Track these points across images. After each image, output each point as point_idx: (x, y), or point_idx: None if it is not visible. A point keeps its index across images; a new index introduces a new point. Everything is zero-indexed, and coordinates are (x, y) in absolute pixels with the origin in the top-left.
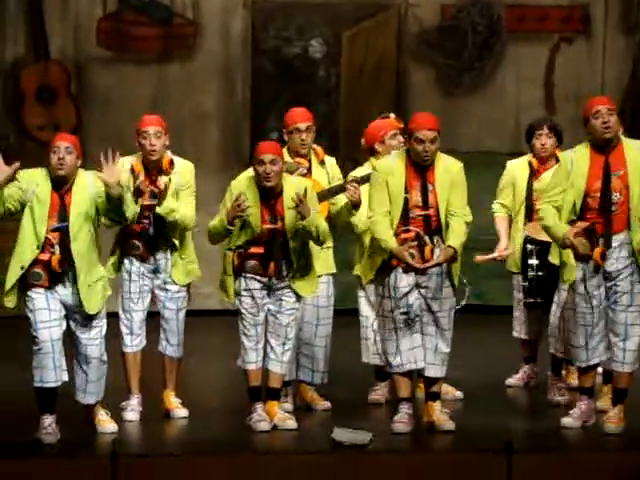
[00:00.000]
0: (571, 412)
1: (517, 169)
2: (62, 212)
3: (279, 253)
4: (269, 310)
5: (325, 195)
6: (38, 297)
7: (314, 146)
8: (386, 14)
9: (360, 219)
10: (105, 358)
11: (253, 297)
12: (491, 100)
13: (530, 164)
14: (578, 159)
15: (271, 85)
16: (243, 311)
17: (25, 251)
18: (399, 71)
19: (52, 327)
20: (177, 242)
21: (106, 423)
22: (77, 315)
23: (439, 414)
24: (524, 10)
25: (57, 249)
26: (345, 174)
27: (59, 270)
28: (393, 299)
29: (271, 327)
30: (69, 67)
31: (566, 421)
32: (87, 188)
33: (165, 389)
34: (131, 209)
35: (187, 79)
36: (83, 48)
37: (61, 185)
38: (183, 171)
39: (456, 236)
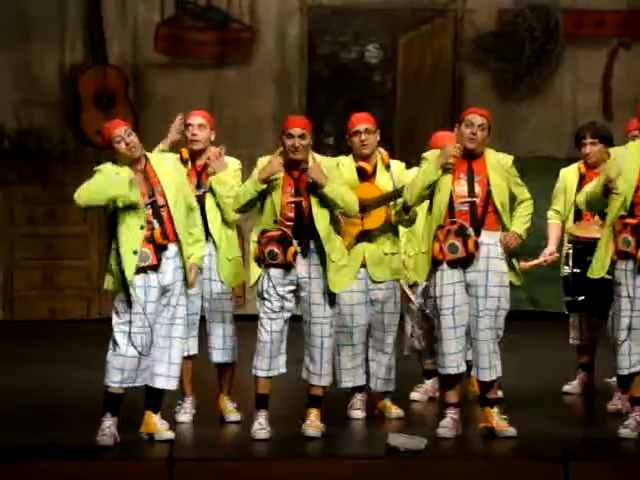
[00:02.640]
0: (626, 423)
1: (568, 175)
2: (149, 187)
3: (304, 234)
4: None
5: (379, 201)
6: (136, 290)
7: (380, 150)
8: (442, 19)
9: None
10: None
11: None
12: (548, 105)
13: (580, 170)
14: (631, 154)
15: (327, 90)
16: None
17: (133, 235)
18: (455, 76)
19: (145, 334)
20: (218, 237)
21: (164, 431)
22: (170, 293)
23: (499, 420)
24: (581, 15)
25: (156, 223)
26: None
27: (163, 242)
28: (439, 298)
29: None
30: (127, 72)
31: (623, 432)
32: (165, 163)
33: (220, 393)
34: None
35: (243, 84)
36: (141, 53)
37: (135, 165)
38: (230, 167)
39: (521, 222)
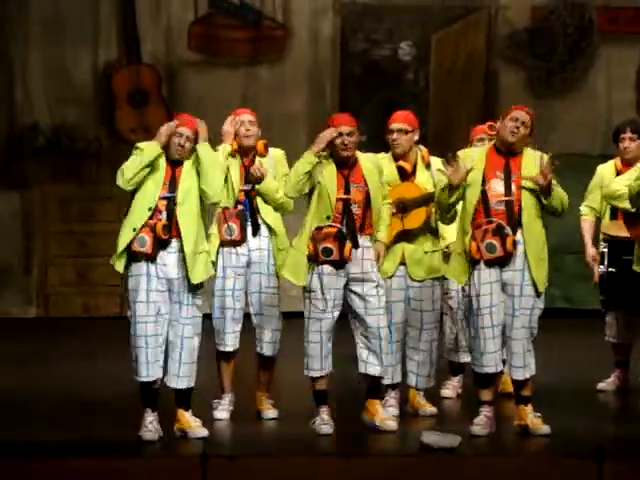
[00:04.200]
0: None
1: (605, 172)
2: (172, 184)
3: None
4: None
5: (418, 202)
6: (138, 278)
7: (421, 147)
8: (476, 16)
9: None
10: (196, 343)
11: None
12: (582, 102)
13: (616, 166)
14: None
15: (360, 88)
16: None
17: (139, 214)
18: (489, 73)
19: (148, 323)
20: (274, 225)
21: (197, 428)
22: (177, 289)
23: (533, 418)
24: (616, 11)
25: (164, 216)
26: None
27: (163, 236)
28: (475, 297)
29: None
30: (161, 71)
31: None
32: (194, 163)
33: (258, 390)
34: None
35: (276, 82)
36: (174, 52)
37: (175, 162)
38: (276, 157)
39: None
